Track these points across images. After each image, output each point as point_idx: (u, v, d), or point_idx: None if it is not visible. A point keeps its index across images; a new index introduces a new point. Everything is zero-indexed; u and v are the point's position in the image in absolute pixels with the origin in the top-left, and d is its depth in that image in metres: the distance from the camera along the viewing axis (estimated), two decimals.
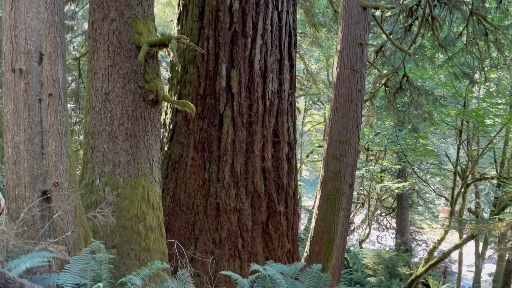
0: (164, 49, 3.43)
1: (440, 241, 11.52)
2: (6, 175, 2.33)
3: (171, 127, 4.67)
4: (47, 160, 2.35)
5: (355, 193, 19.71)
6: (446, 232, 11.25)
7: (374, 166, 17.04)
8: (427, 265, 11.11)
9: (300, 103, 20.23)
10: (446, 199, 12.57)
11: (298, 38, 10.19)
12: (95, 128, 3.47)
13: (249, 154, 4.45)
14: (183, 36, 3.42)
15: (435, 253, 12.51)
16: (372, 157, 18.56)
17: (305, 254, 6.03)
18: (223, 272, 2.46)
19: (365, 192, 17.67)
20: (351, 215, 20.30)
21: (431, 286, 12.90)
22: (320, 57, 12.40)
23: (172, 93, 4.73)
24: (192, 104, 3.56)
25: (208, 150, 4.42)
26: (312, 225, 6.10)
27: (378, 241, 20.85)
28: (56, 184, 2.34)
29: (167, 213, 4.49)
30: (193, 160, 4.44)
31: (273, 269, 2.30)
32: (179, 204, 4.45)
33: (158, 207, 3.60)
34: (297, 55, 10.92)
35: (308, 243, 6.08)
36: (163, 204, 4.51)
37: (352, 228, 21.39)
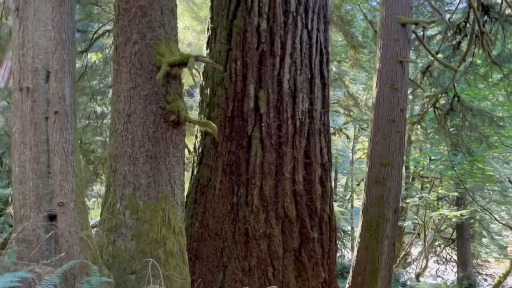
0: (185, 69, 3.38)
1: (506, 275, 10.48)
2: (13, 196, 2.30)
3: (200, 150, 4.59)
4: (53, 179, 2.30)
5: (410, 222, 18.63)
6: None
7: (429, 194, 16.08)
8: None
9: (350, 129, 19.76)
10: (510, 228, 11.49)
11: (338, 60, 10.00)
12: (117, 150, 3.44)
13: (278, 176, 4.24)
14: (202, 55, 3.37)
15: None
16: (427, 185, 17.57)
17: (347, 286, 5.63)
18: None
19: (421, 222, 16.63)
20: (407, 247, 19.14)
21: None
22: (363, 80, 12.08)
23: (202, 116, 4.68)
24: (213, 124, 3.46)
25: (237, 173, 4.27)
26: (354, 254, 5.71)
27: (437, 275, 19.39)
28: (61, 204, 2.28)
29: (196, 240, 4.35)
30: (222, 183, 4.30)
31: None
32: (208, 230, 4.29)
33: (180, 232, 3.47)
34: (338, 77, 10.73)
35: (350, 273, 5.69)
36: (192, 230, 4.39)
37: (408, 260, 20.13)
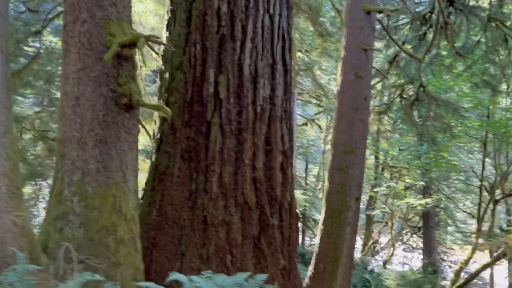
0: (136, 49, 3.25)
1: (467, 261, 10.79)
2: None
3: (158, 136, 4.46)
4: None
5: (379, 211, 18.98)
6: (473, 251, 10.53)
7: (397, 183, 16.40)
8: (454, 287, 10.40)
9: (322, 120, 19.87)
10: (473, 216, 11.84)
11: (306, 50, 9.97)
12: (65, 134, 3.29)
13: (238, 163, 4.17)
14: (154, 35, 3.23)
15: (463, 274, 11.73)
16: (396, 174, 17.90)
17: (309, 273, 5.64)
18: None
19: (389, 211, 16.96)
20: (376, 235, 19.52)
21: None
22: (332, 69, 12.11)
23: (161, 101, 4.54)
24: (167, 108, 3.36)
25: (196, 160, 4.17)
26: (317, 241, 5.73)
27: (404, 262, 19.88)
28: None
29: (154, 228, 4.24)
30: (180, 170, 4.20)
31: (203, 280, 1.99)
32: (166, 218, 4.19)
33: (132, 219, 3.36)
34: (306, 66, 10.72)
35: (312, 261, 5.70)
36: (150, 218, 4.28)
37: (377, 249, 20.55)
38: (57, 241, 3.13)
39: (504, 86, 10.05)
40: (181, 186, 4.18)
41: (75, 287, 1.93)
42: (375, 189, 15.53)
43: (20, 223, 2.40)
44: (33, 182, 8.19)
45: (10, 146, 2.30)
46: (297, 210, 6.01)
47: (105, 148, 3.25)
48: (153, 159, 4.47)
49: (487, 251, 11.31)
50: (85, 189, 3.18)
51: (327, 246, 5.54)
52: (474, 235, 11.16)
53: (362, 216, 22.35)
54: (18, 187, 2.44)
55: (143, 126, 5.60)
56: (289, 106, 4.66)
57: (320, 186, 20.94)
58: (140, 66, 3.76)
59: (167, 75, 4.51)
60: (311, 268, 5.66)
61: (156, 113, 4.64)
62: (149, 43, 3.62)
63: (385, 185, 14.59)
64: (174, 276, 2.07)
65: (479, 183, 11.96)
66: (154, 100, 5.00)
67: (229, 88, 4.22)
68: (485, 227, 11.82)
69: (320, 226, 5.76)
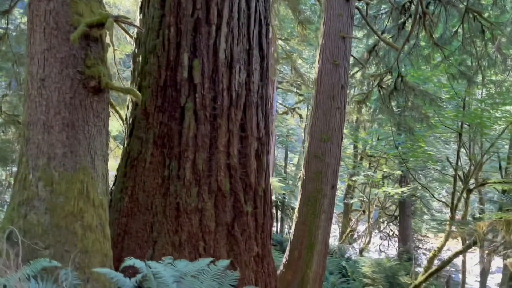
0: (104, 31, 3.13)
1: (440, 249, 11.03)
2: None
3: (130, 121, 4.36)
4: None
5: (356, 200, 19.21)
6: (446, 239, 10.77)
7: (374, 172, 16.60)
8: (427, 274, 10.63)
9: (303, 109, 19.90)
10: (446, 205, 12.09)
11: (286, 38, 9.91)
12: (31, 117, 3.17)
13: (213, 150, 4.11)
14: (123, 15, 3.12)
15: (436, 261, 12.01)
16: (374, 164, 18.11)
17: (284, 260, 5.66)
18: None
19: (366, 199, 17.20)
20: (353, 223, 19.79)
21: None
22: (311, 57, 12.08)
23: (133, 85, 4.43)
24: (137, 92, 3.27)
25: (169, 146, 4.09)
26: (292, 229, 5.75)
27: (381, 250, 20.26)
28: None
29: (125, 215, 4.16)
30: (153, 156, 4.12)
31: (161, 266, 1.94)
32: (138, 205, 4.12)
33: (100, 205, 3.27)
34: (286, 54, 10.66)
35: (288, 248, 5.72)
36: (121, 204, 4.20)
37: (354, 237, 20.85)
38: (21, 228, 3.03)
39: (480, 78, 10.21)
40: (153, 172, 4.10)
41: (30, 273, 1.85)
42: (353, 178, 15.70)
43: None
44: (3, 168, 7.96)
45: None
46: (273, 197, 6.01)
47: (72, 132, 3.14)
48: (125, 144, 4.38)
49: (460, 239, 11.59)
50: (51, 174, 3.08)
51: (302, 233, 5.56)
52: (447, 223, 11.40)
53: (340, 205, 22.63)
54: None
55: (117, 111, 5.48)
56: (265, 92, 4.61)
57: (299, 175, 21.04)
58: (114, 49, 3.64)
59: (140, 58, 4.39)
60: (286, 255, 5.69)
61: (129, 98, 4.53)
62: (122, 25, 3.52)
63: (363, 174, 14.75)
64: (130, 261, 2.01)
65: (453, 172, 12.20)
66: (128, 85, 4.87)
67: (204, 73, 4.13)
68: (459, 215, 12.09)
69: (295, 213, 5.77)
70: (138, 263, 1.93)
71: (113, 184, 4.48)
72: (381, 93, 9.34)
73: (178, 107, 4.11)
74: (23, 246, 2.96)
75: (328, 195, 5.62)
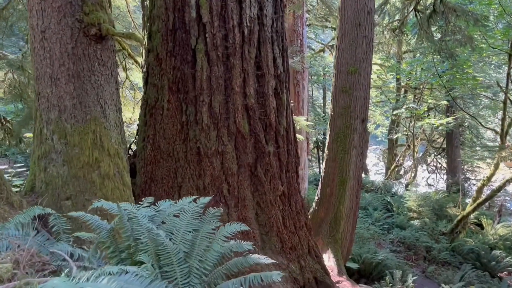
0: None
1: (489, 178, 10.57)
2: None
3: (145, 69, 4.29)
4: None
5: (400, 135, 18.65)
6: (496, 167, 10.27)
7: (419, 105, 15.88)
8: (475, 204, 10.32)
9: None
10: (495, 132, 11.41)
11: None
12: (38, 71, 3.17)
13: (228, 91, 3.99)
14: None
15: (486, 191, 11.58)
16: (418, 95, 17.30)
17: (316, 198, 5.62)
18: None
19: (411, 133, 16.62)
20: (399, 159, 19.35)
21: (484, 225, 12.05)
22: None
23: (144, 31, 4.31)
24: (138, 35, 3.15)
25: (184, 91, 4.01)
26: (323, 166, 5.64)
27: (429, 184, 19.84)
28: None
29: (150, 162, 4.21)
30: (169, 103, 4.06)
31: (134, 207, 1.89)
32: (160, 152, 4.13)
33: (116, 154, 3.30)
34: None
35: (319, 185, 5.66)
36: (145, 152, 4.24)
37: (401, 172, 20.48)
38: (42, 180, 3.13)
39: None
40: (171, 119, 4.07)
41: (24, 219, 1.90)
42: (395, 112, 15.11)
43: None
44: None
45: None
46: (301, 136, 5.87)
47: (79, 83, 3.12)
48: (143, 93, 4.34)
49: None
50: (64, 126, 3.10)
51: (333, 170, 5.45)
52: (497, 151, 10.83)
53: (385, 141, 22.08)
54: None
55: (136, 61, 5.42)
56: (280, 26, 4.34)
57: None
58: None
59: (147, 2, 4.23)
60: (317, 192, 5.63)
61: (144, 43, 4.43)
62: None
63: (405, 107, 14.14)
64: (98, 203, 1.99)
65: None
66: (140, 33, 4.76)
67: (212, 10, 3.92)
68: (511, 142, 11.43)
69: (325, 151, 5.64)
70: (106, 204, 1.91)
71: (136, 133, 4.51)
72: (418, 17, 8.65)
73: (189, 50, 3.97)
74: (45, 198, 3.06)
75: (358, 130, 5.40)
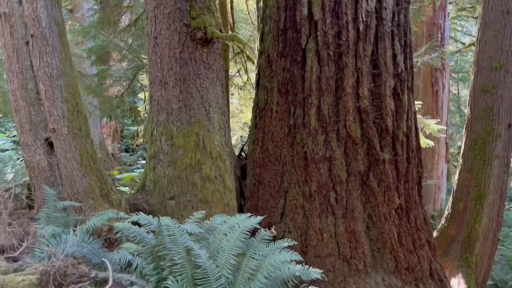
0: None
1: None
2: (16, 123, 2.37)
3: (256, 71, 4.26)
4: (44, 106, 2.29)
5: None
6: None
7: None
8: None
9: None
10: None
11: None
12: (151, 76, 3.36)
13: (339, 92, 3.70)
14: None
15: None
16: None
17: (446, 213, 4.94)
18: None
19: None
20: None
21: None
22: None
23: (258, 33, 4.28)
24: (240, 37, 3.12)
25: (292, 93, 3.86)
26: (456, 177, 4.93)
27: None
28: (53, 130, 2.27)
29: (259, 165, 4.16)
30: (278, 105, 3.95)
31: (174, 222, 1.67)
32: (268, 155, 4.05)
33: (218, 157, 3.31)
34: None
35: (450, 199, 4.96)
36: (254, 155, 4.20)
37: None
38: (151, 179, 3.30)
39: None
40: (280, 121, 3.95)
41: (98, 222, 1.96)
42: None
43: (88, 162, 2.54)
44: None
45: (67, 89, 2.39)
46: (427, 141, 5.21)
47: (184, 86, 3.20)
48: (254, 95, 4.32)
49: None
50: (170, 128, 3.22)
51: (468, 183, 4.71)
52: None
53: None
54: (81, 129, 2.56)
55: (254, 63, 5.45)
56: (403, 18, 3.88)
57: None
58: None
59: (261, 3, 4.19)
60: (448, 207, 4.93)
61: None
62: None
63: None
64: (136, 217, 1.87)
65: None
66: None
67: (325, 6, 3.68)
68: None
69: (459, 159, 4.90)
70: (144, 218, 1.79)
71: (248, 136, 4.52)
72: None
73: (299, 50, 3.80)
74: (153, 196, 3.22)
75: (503, 136, 4.55)
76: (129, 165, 10.07)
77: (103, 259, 1.65)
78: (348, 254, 3.67)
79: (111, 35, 4.89)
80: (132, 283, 1.49)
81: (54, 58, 2.28)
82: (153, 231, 1.70)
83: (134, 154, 11.46)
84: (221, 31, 3.43)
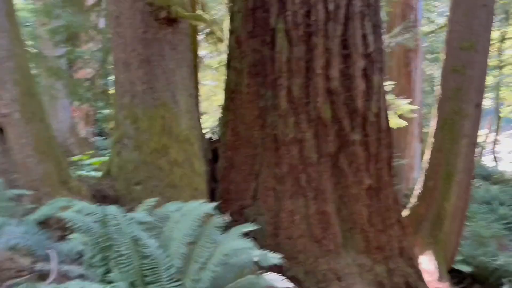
0: None
1: None
2: None
3: (227, 52, 4.16)
4: None
5: None
6: None
7: None
8: None
9: None
10: None
11: None
12: (114, 57, 3.24)
13: (309, 74, 3.66)
14: None
15: None
16: None
17: (416, 191, 5.02)
18: None
19: None
20: None
21: None
22: None
23: (229, 14, 4.18)
24: (204, 17, 3.01)
25: (262, 74, 3.79)
26: (426, 156, 4.99)
27: None
28: (3, 115, 2.16)
29: (230, 148, 4.10)
30: (248, 87, 3.88)
31: (119, 211, 1.63)
32: (239, 138, 4.00)
33: (186, 140, 3.24)
34: None
35: (421, 178, 5.03)
36: (225, 138, 4.14)
37: None
38: (116, 164, 3.21)
39: None
40: (250, 104, 3.89)
41: (49, 211, 1.89)
42: None
43: (44, 148, 2.44)
44: None
45: (17, 71, 2.27)
46: (399, 121, 5.25)
47: (148, 68, 3.10)
48: (225, 77, 4.24)
49: None
50: (135, 112, 3.13)
51: (437, 162, 4.77)
52: None
53: None
54: (35, 112, 2.45)
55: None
56: None
57: None
58: None
59: None
60: (418, 186, 5.01)
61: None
62: None
63: None
64: (78, 205, 1.81)
65: None
66: None
67: None
68: None
69: (430, 139, 4.95)
70: (87, 208, 1.71)
71: (219, 118, 4.45)
72: None
73: (269, 30, 3.72)
74: (118, 182, 3.14)
75: (471, 116, 4.61)
76: (103, 149, 9.89)
77: (47, 251, 1.58)
78: (319, 235, 3.68)
79: (76, 15, 4.69)
80: (80, 276, 1.43)
81: (2, 38, 2.15)
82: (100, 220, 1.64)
83: (108, 138, 11.26)
84: (188, 10, 3.31)
